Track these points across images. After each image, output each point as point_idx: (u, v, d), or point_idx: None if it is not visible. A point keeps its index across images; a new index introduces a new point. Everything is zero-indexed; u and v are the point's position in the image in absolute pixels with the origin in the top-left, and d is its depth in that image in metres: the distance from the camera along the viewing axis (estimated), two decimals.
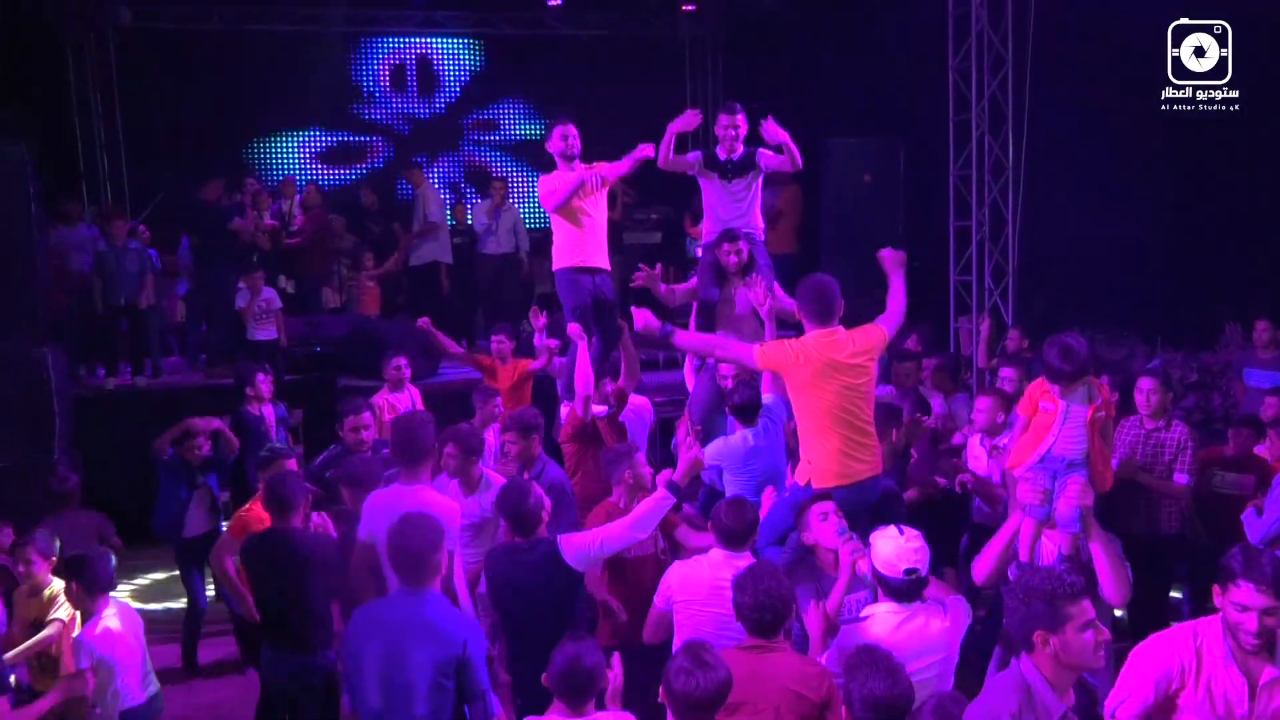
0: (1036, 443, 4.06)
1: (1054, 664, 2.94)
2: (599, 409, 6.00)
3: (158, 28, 13.85)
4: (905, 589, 3.68)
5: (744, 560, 4.06)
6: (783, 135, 6.29)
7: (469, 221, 11.92)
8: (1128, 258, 10.08)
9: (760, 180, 6.49)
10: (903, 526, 3.79)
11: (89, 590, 4.49)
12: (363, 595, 4.38)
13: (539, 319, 7.71)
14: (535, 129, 15.38)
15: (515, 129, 15.65)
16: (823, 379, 4.46)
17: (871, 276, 9.62)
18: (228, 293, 9.80)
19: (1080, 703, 3.09)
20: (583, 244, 6.51)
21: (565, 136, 6.52)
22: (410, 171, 11.92)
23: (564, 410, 6.57)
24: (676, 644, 4.01)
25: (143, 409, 9.21)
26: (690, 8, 14.93)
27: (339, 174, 14.92)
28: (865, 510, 4.54)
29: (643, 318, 5.07)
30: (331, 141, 15.00)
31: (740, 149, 6.45)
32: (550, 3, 14.27)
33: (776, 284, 6.34)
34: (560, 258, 6.56)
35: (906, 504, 5.36)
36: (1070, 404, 4.01)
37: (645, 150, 6.42)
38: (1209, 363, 9.36)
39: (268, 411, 7.87)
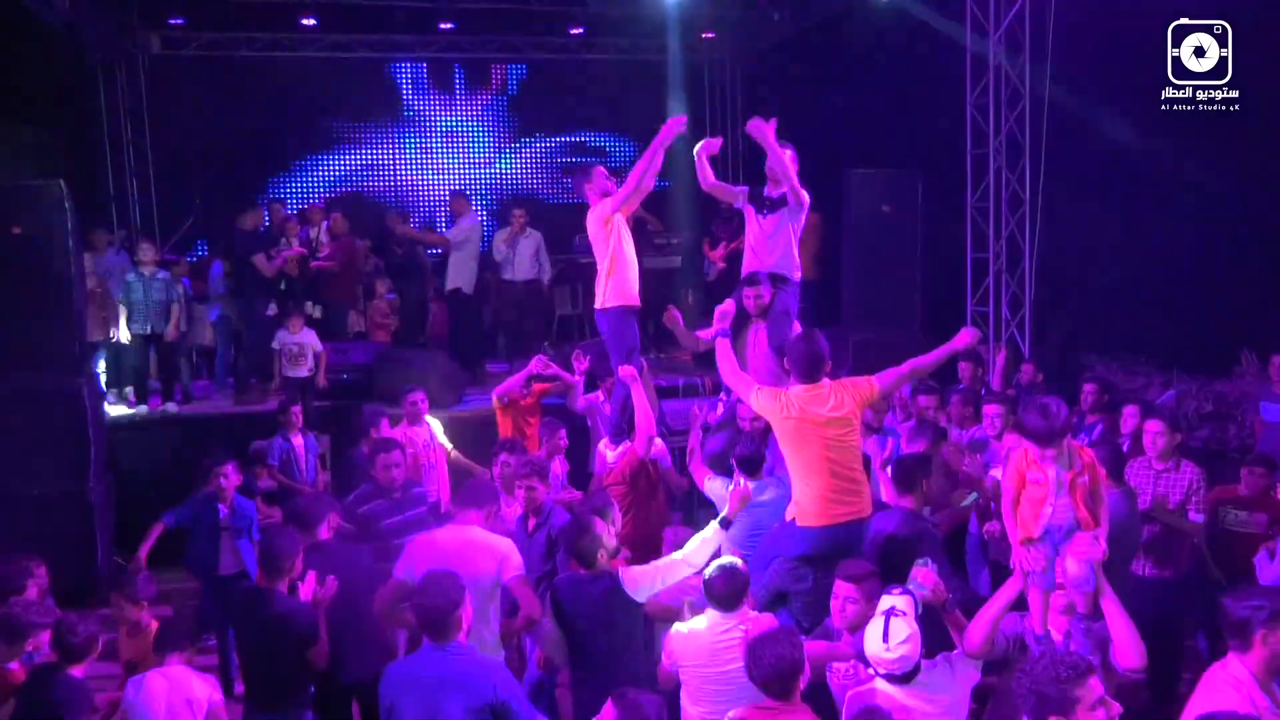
0: (1034, 517, 3.96)
1: None
2: (658, 448, 6.09)
3: (188, 55, 14.20)
4: (899, 677, 3.79)
5: (737, 619, 4.24)
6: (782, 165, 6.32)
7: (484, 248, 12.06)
8: (1143, 286, 10.10)
9: (798, 219, 6.47)
10: (891, 619, 3.79)
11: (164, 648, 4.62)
12: (387, 631, 4.64)
13: (581, 362, 7.79)
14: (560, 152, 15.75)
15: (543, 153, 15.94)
16: (805, 432, 4.77)
17: (892, 306, 9.85)
18: (258, 320, 10.02)
19: None
20: (632, 281, 6.45)
21: (605, 175, 6.56)
22: (455, 200, 11.93)
23: (607, 453, 6.59)
24: (684, 699, 4.28)
25: (174, 435, 9.46)
26: (709, 35, 15.12)
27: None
28: (854, 550, 4.78)
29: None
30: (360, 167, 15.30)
31: (784, 187, 6.44)
32: (572, 30, 14.48)
33: (798, 324, 6.53)
34: (611, 295, 6.42)
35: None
36: (1059, 471, 3.92)
37: (713, 145, 6.47)
38: (1225, 392, 9.39)
39: (297, 441, 8.08)
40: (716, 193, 6.57)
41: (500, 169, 15.86)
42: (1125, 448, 6.55)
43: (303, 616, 4.65)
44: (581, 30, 14.59)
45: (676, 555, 4.60)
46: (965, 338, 5.37)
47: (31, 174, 11.22)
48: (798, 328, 6.42)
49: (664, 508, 6.34)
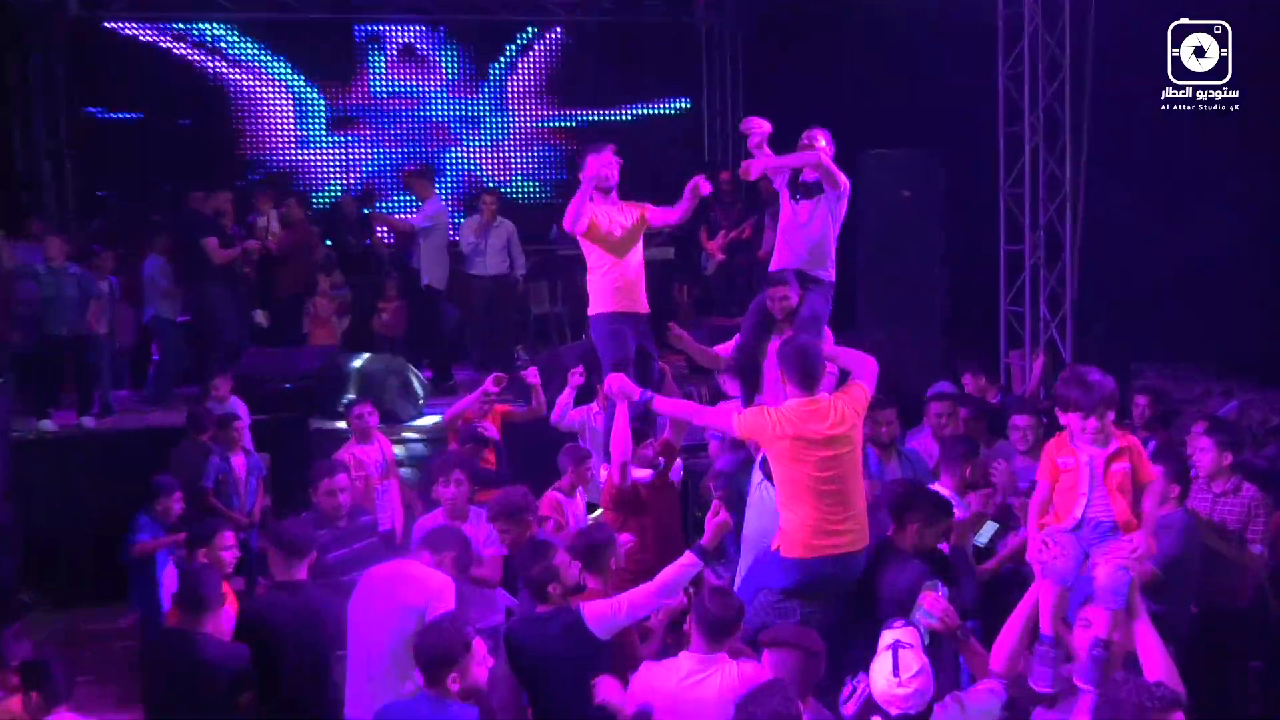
0: (1068, 511, 3.98)
1: None
2: (642, 475, 6.05)
3: (113, 15, 14.02)
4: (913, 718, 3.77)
5: (716, 664, 4.16)
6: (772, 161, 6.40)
7: (454, 238, 11.96)
8: (1201, 282, 10.10)
9: (839, 207, 6.50)
10: (899, 651, 3.78)
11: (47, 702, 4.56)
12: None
13: (577, 377, 7.79)
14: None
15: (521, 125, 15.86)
16: (800, 452, 4.78)
17: (911, 305, 9.84)
18: (210, 309, 10.26)
19: None
20: (622, 285, 6.55)
21: (605, 165, 6.49)
22: (417, 180, 11.83)
23: (601, 473, 6.58)
24: None
25: (88, 453, 9.37)
26: None
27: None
28: (848, 586, 4.82)
29: (618, 382, 5.53)
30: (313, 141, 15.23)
31: (815, 172, 6.47)
32: None
33: (829, 331, 6.51)
34: (597, 301, 6.59)
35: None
36: (1093, 454, 3.96)
37: (704, 187, 6.50)
38: None
39: (238, 461, 7.98)
40: (774, 172, 6.52)
41: (466, 149, 15.77)
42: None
43: (233, 662, 4.63)
44: None
45: (648, 587, 4.56)
46: None
47: None
48: (829, 336, 6.42)
49: (666, 532, 6.22)
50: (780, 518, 4.89)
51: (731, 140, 15.42)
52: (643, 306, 6.68)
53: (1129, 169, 10.13)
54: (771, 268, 6.61)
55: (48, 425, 9.53)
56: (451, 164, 15.45)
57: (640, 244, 6.74)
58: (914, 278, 10.39)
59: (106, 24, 13.98)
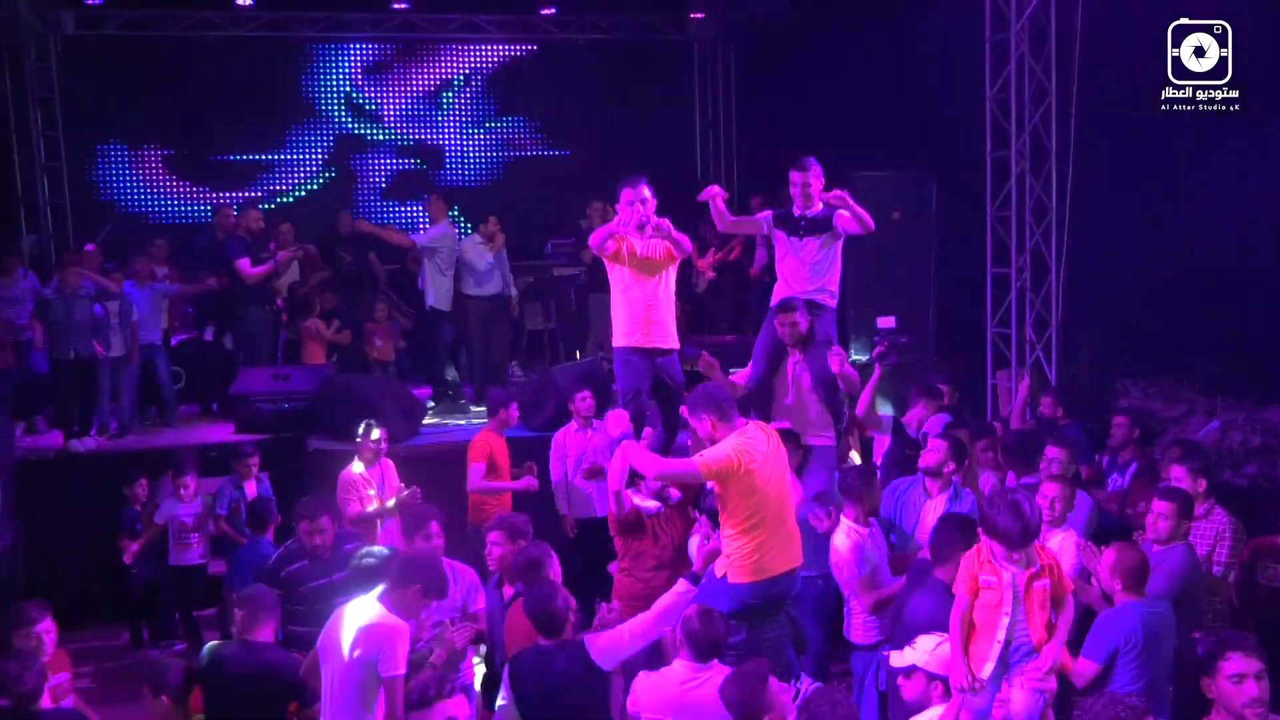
0: (990, 631, 4.03)
1: None
2: (648, 506, 6.16)
3: (106, 34, 14.21)
4: None
5: (710, 671, 4.51)
6: (843, 196, 6.63)
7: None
8: (1185, 303, 10.25)
9: (840, 245, 6.80)
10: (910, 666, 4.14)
11: None
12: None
13: (585, 401, 8.13)
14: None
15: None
16: (756, 479, 5.01)
17: (901, 321, 10.03)
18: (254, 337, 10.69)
19: None
20: (643, 315, 6.50)
21: (634, 201, 6.44)
22: (436, 201, 11.88)
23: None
24: None
25: (91, 474, 9.51)
26: (699, 15, 15.39)
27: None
28: (787, 600, 5.15)
29: (612, 419, 5.80)
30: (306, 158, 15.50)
31: (818, 206, 6.75)
32: (544, 11, 14.71)
33: (844, 355, 6.78)
34: (618, 334, 6.60)
35: None
36: (1016, 574, 4.01)
37: (712, 191, 6.63)
38: (1276, 423, 9.59)
39: (250, 489, 8.25)
40: (740, 228, 6.76)
41: (463, 163, 16.07)
42: None
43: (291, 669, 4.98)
44: (554, 10, 14.80)
45: (646, 615, 4.79)
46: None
47: None
48: (842, 354, 6.72)
49: (680, 555, 6.33)
50: (729, 549, 5.07)
51: (723, 157, 15.68)
52: (667, 341, 6.60)
53: (1117, 189, 10.25)
54: (775, 300, 6.84)
55: (75, 445, 9.73)
56: (442, 180, 15.75)
57: (669, 276, 6.64)
58: (903, 297, 10.62)
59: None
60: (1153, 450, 7.93)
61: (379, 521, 7.60)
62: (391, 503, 7.59)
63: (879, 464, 7.70)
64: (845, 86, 12.34)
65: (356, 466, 7.79)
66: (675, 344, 6.70)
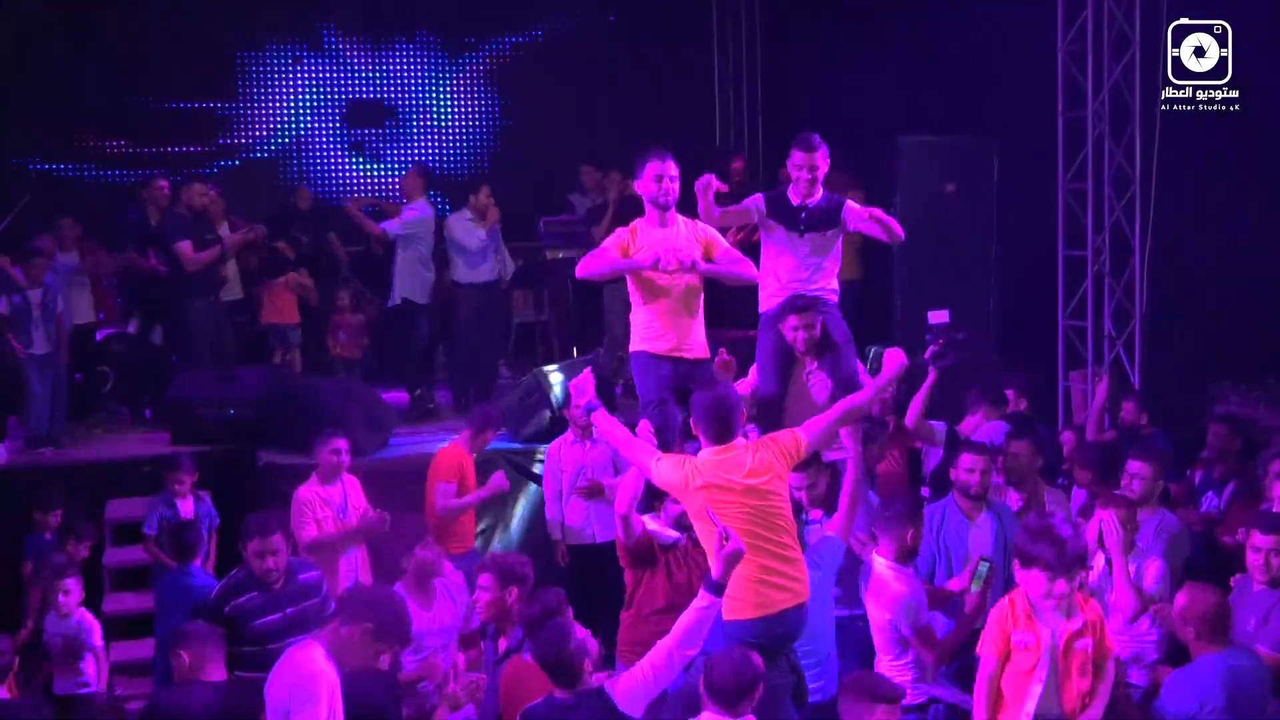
0: (1019, 701, 4.05)
1: None
2: (669, 536, 6.16)
3: None
4: None
5: None
6: (871, 212, 6.61)
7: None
8: None
9: (841, 240, 6.73)
10: None
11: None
12: None
13: (582, 400, 8.07)
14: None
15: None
16: (718, 503, 5.03)
17: (957, 314, 10.09)
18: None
19: None
20: (665, 324, 6.43)
21: (660, 177, 6.34)
22: (411, 178, 11.82)
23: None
24: None
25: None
26: None
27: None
28: (789, 642, 5.15)
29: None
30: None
31: (820, 193, 6.63)
32: None
33: (860, 362, 6.80)
34: (636, 337, 6.58)
35: None
36: (1055, 630, 4.01)
37: (715, 184, 6.50)
38: None
39: (185, 507, 8.30)
40: (726, 221, 6.70)
41: (438, 129, 16.17)
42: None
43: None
44: None
45: (665, 642, 4.76)
46: (894, 363, 5.71)
47: None
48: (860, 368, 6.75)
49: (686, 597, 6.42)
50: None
51: (746, 124, 15.68)
52: (694, 350, 6.52)
53: (1214, 155, 10.35)
54: (765, 304, 6.77)
55: None
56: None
57: (700, 285, 6.57)
58: (960, 285, 10.62)
59: None
60: (1254, 465, 7.95)
61: (340, 549, 7.59)
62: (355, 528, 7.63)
63: (927, 480, 7.76)
64: (889, 40, 12.40)
65: (314, 484, 7.79)
66: (705, 352, 6.62)
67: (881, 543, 6.00)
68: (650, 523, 6.10)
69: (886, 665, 5.86)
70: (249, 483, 9.59)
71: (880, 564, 5.96)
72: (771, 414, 6.58)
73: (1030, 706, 3.99)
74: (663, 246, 6.22)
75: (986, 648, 4.15)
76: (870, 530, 6.25)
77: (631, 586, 6.30)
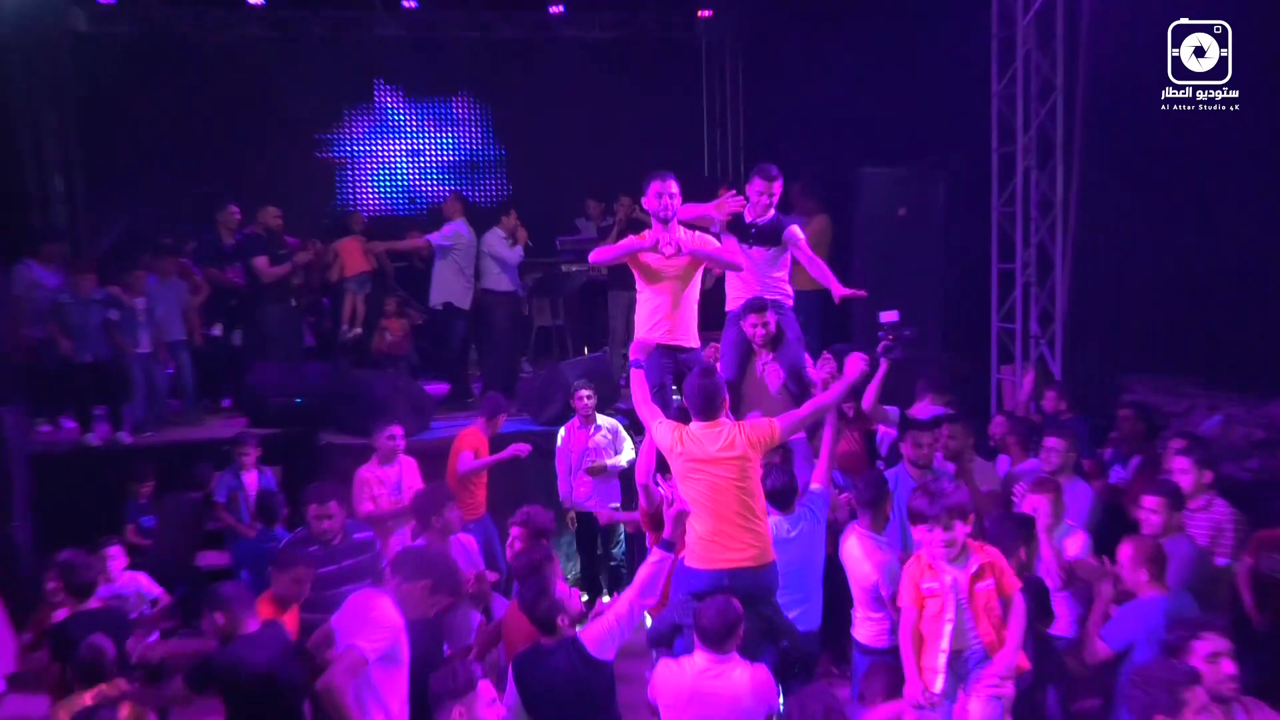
0: (935, 640, 3.94)
1: None
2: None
3: (119, 33, 14.27)
4: None
5: (729, 665, 4.55)
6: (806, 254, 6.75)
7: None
8: (1189, 298, 10.24)
9: (788, 255, 6.83)
10: None
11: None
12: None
13: (583, 401, 8.28)
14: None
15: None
16: (691, 470, 5.15)
17: (906, 315, 10.03)
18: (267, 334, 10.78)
19: None
20: (665, 318, 6.58)
21: (661, 194, 6.49)
22: (451, 201, 11.80)
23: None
24: None
25: (102, 468, 9.45)
26: (707, 13, 15.41)
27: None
28: (750, 599, 5.07)
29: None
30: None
31: (771, 215, 6.78)
32: (552, 9, 14.76)
33: (807, 355, 6.78)
34: (640, 330, 6.69)
35: None
36: (955, 575, 3.92)
37: (730, 203, 6.69)
38: (1278, 417, 9.57)
39: (250, 479, 8.27)
40: (694, 220, 6.72)
41: (471, 161, 16.15)
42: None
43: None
44: (562, 8, 14.84)
45: (627, 593, 4.79)
46: (854, 368, 5.71)
47: None
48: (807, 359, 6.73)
49: None
50: (687, 532, 5.18)
51: (730, 155, 15.66)
52: (689, 340, 6.67)
53: (1123, 184, 10.23)
54: (730, 304, 6.85)
55: (90, 439, 9.77)
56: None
57: (693, 280, 6.70)
58: (910, 292, 10.48)
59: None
60: (1156, 444, 7.90)
61: (392, 525, 7.50)
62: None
63: (883, 456, 7.72)
64: (852, 84, 12.34)
65: (373, 466, 7.75)
66: (696, 343, 6.76)
67: (861, 518, 5.98)
68: (663, 487, 6.07)
69: (863, 618, 5.84)
70: (311, 459, 9.55)
71: (862, 534, 5.91)
72: (731, 395, 6.48)
73: (945, 643, 3.89)
74: (661, 234, 6.39)
75: (904, 600, 4.09)
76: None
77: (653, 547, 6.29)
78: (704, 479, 5.12)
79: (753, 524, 5.13)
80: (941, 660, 3.89)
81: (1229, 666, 3.75)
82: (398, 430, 7.82)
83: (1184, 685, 3.43)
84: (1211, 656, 3.74)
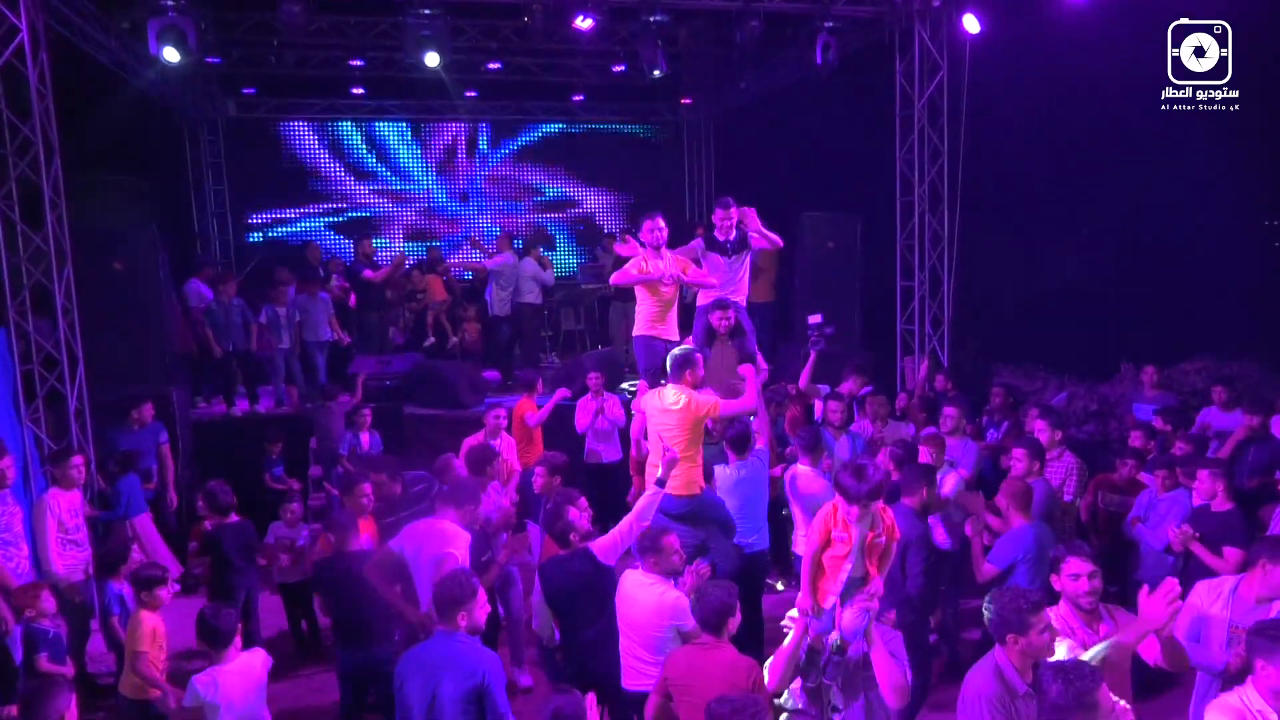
0: (835, 575, 3.71)
1: (1020, 656, 3.29)
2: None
3: (258, 117, 14.30)
4: None
5: (657, 584, 4.27)
6: (759, 225, 6.69)
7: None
8: (1041, 307, 10.34)
9: (749, 257, 6.81)
10: None
11: (211, 643, 4.28)
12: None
13: (593, 380, 8.20)
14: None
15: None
16: (653, 417, 5.42)
17: (832, 319, 9.94)
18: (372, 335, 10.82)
19: None
20: (659, 318, 6.57)
21: (653, 229, 6.43)
22: (501, 238, 11.87)
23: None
24: None
25: (245, 434, 9.37)
26: (688, 101, 15.27)
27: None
28: (694, 517, 5.30)
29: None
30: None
31: (735, 233, 6.74)
32: (574, 98, 14.62)
33: (756, 345, 6.69)
34: (640, 326, 6.65)
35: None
36: (862, 533, 3.69)
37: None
38: (1106, 394, 9.54)
39: (365, 438, 8.17)
40: (680, 254, 6.66)
41: (513, 212, 15.91)
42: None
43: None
44: (582, 97, 14.71)
45: (629, 516, 4.68)
46: (751, 385, 5.68)
47: (130, 217, 11.33)
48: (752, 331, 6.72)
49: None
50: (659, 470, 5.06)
51: (705, 207, 15.56)
52: (673, 334, 6.63)
53: (990, 224, 10.23)
54: (701, 303, 6.77)
55: (235, 412, 9.70)
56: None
57: (676, 294, 6.65)
58: (838, 304, 10.39)
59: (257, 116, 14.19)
60: (1020, 413, 7.83)
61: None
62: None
63: (818, 420, 7.62)
64: (795, 151, 12.37)
65: (480, 439, 7.24)
66: (677, 336, 6.72)
67: (801, 459, 5.99)
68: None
69: (805, 535, 5.67)
70: (398, 428, 9.43)
71: (804, 470, 5.89)
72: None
73: (843, 577, 3.70)
74: (664, 272, 6.40)
75: (812, 535, 3.81)
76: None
77: (637, 489, 6.32)
78: (657, 424, 5.33)
79: (684, 465, 5.23)
80: (838, 588, 3.71)
81: (1086, 584, 3.64)
82: (502, 413, 7.47)
83: (1029, 611, 3.28)
84: (1074, 575, 3.66)
